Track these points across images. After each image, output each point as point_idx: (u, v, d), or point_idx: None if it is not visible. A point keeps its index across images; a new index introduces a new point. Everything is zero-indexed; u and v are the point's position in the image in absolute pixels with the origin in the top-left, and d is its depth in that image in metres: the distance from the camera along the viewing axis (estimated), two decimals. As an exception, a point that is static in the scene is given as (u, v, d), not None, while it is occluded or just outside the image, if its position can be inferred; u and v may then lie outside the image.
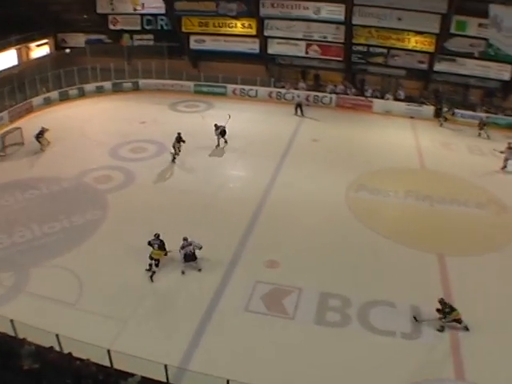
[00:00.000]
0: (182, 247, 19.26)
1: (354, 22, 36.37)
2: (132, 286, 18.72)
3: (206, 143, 31.22)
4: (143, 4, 41.82)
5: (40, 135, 31.19)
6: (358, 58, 38.28)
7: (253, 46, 40.55)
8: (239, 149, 30.67)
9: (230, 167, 28.66)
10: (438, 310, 16.68)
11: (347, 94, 38.12)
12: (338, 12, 36.25)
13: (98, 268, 19.73)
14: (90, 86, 41.48)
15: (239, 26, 40.16)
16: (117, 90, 42.11)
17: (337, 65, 39.31)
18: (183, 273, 19.44)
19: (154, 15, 42.20)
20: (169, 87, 42.12)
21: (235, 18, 39.68)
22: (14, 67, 39.13)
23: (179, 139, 29.23)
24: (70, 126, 34.40)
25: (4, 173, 28.46)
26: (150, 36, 43.27)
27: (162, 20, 42.28)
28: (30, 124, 33.99)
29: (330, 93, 38.34)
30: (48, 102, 39.25)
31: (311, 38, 38.35)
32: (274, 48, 39.98)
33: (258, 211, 23.75)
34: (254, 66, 40.62)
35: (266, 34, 39.34)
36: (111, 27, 43.78)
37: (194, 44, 42.29)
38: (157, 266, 19.31)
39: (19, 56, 40.43)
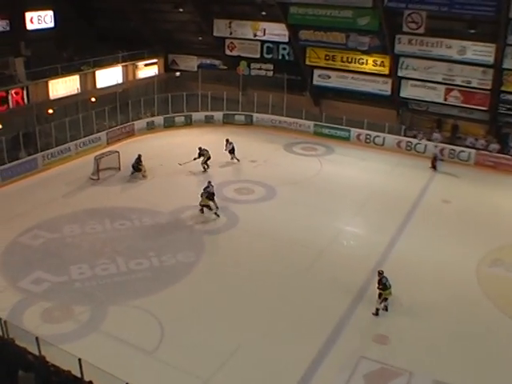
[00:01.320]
0: (207, 186, 27.99)
1: (504, 66, 35.14)
2: (217, 343, 18.55)
3: (319, 190, 31.48)
4: (264, 30, 42.75)
5: (139, 163, 32.48)
6: (506, 109, 36.90)
7: (384, 87, 40.30)
8: (358, 202, 30.39)
9: (345, 221, 28.30)
10: (378, 282, 20.38)
11: (489, 151, 36.89)
12: (486, 53, 35.25)
13: (184, 317, 19.84)
14: (198, 115, 43.01)
15: (370, 63, 40.11)
16: (228, 122, 43.37)
17: (480, 115, 38.10)
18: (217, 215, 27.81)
19: (276, 43, 42.97)
20: (285, 125, 42.73)
21: (366, 53, 39.71)
22: (118, 85, 41.07)
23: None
24: (173, 156, 35.52)
25: (94, 198, 29.80)
26: (270, 66, 44.10)
27: (284, 49, 42.98)
28: (129, 148, 35.45)
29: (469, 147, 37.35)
30: (151, 127, 41.03)
31: (452, 81, 37.45)
32: (407, 91, 39.49)
33: (372, 276, 22.87)
34: (384, 109, 40.43)
35: (399, 74, 38.95)
36: (227, 52, 45.09)
37: (317, 79, 42.62)
38: (202, 211, 27.92)
39: (125, 74, 42.43)
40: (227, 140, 35.59)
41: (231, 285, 22.04)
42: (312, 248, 25.10)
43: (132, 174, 32.62)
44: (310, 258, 24.24)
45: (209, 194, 27.75)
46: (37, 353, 15.38)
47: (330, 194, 31.16)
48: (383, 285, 20.43)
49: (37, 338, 15.51)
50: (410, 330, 19.74)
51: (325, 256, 24.59)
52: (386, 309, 20.71)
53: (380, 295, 20.51)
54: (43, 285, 21.47)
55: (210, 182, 28.57)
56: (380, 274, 20.58)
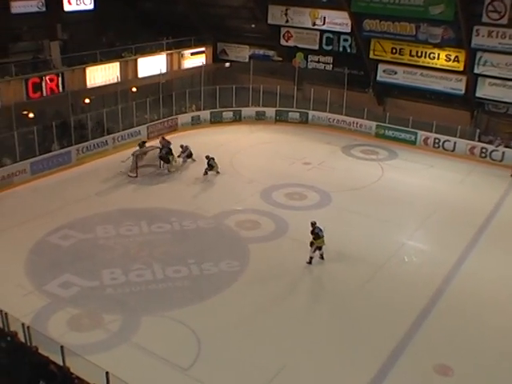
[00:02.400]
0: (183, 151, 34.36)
1: None
2: (260, 362, 18.28)
3: (379, 199, 31.07)
4: (324, 18, 42.35)
5: (169, 153, 33.04)
6: None
7: (457, 86, 39.49)
8: (423, 213, 29.77)
9: (407, 234, 27.72)
10: (311, 232, 23.87)
11: None
12: None
13: (224, 331, 19.69)
14: (248, 111, 43.14)
15: (442, 58, 39.39)
16: (280, 119, 43.37)
17: None
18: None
19: (337, 33, 42.57)
20: (344, 125, 42.46)
21: (439, 46, 39.02)
22: (161, 75, 41.27)
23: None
24: (219, 155, 35.49)
25: (131, 197, 30.10)
26: (329, 58, 43.75)
27: (345, 40, 42.58)
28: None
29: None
30: (197, 122, 41.40)
31: (539, 80, 36.64)
32: (484, 90, 38.54)
33: (435, 298, 22.50)
34: (456, 111, 39.80)
35: (476, 70, 38.13)
36: (283, 42, 44.96)
37: (382, 75, 42.10)
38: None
39: (169, 63, 42.79)
40: (182, 146, 35.46)
41: (278, 299, 21.83)
42: (369, 262, 24.73)
43: (162, 167, 33.24)
44: (367, 273, 23.86)
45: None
46: (61, 363, 15.43)
47: (392, 204, 30.69)
48: (316, 234, 23.91)
49: (62, 347, 15.48)
50: (477, 361, 19.10)
51: (383, 272, 24.16)
52: (322, 257, 24.47)
53: (312, 244, 24.02)
54: (72, 289, 21.66)
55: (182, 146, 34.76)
56: (313, 224, 24.08)
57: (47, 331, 18.54)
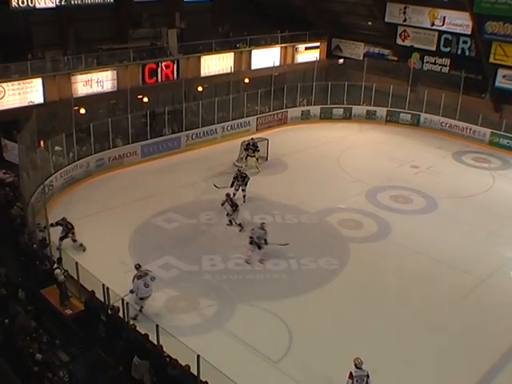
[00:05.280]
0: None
1: None
2: (348, 369, 16.46)
3: (488, 209, 29.99)
4: (444, 18, 41.28)
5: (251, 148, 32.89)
6: None
7: None
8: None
9: (512, 247, 26.81)
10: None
11: None
12: None
13: (316, 329, 19.54)
14: (359, 109, 42.76)
15: None
16: (391, 120, 42.72)
17: None
18: None
19: (456, 35, 41.38)
20: (457, 130, 41.29)
21: None
22: (274, 68, 41.50)
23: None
24: (326, 152, 35.83)
25: (236, 186, 30.18)
26: (446, 61, 42.73)
27: (464, 42, 41.37)
28: (279, 137, 36.07)
29: None
30: (306, 117, 41.53)
31: None
32: None
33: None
34: None
35: None
36: (399, 42, 44.26)
37: (501, 80, 40.51)
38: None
39: (283, 56, 43.20)
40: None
41: (373, 301, 21.45)
42: (471, 274, 23.81)
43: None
44: (468, 285, 23.01)
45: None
46: (155, 341, 15.86)
47: (501, 216, 29.42)
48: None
49: (157, 326, 15.95)
50: None
51: (485, 286, 23.20)
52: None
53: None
54: (171, 271, 22.27)
55: None
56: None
57: (144, 309, 19.10)
